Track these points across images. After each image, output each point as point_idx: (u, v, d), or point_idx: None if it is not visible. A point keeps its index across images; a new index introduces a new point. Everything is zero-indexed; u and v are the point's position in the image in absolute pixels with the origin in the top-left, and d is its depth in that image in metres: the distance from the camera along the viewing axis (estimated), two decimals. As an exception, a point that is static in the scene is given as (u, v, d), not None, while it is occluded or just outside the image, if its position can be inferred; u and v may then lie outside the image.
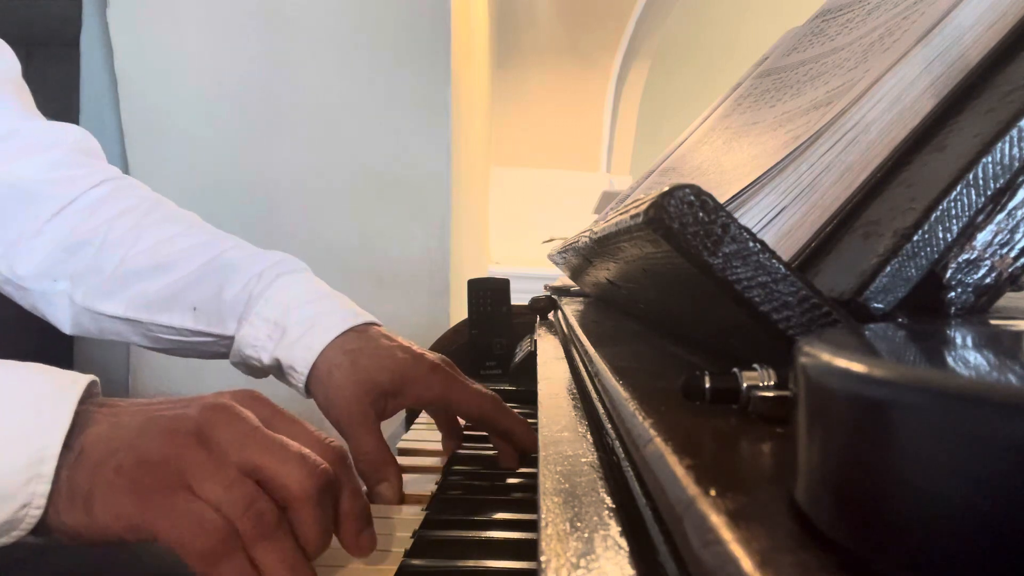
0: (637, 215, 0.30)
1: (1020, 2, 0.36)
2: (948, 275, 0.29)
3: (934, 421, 0.12)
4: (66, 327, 0.72)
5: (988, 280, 0.29)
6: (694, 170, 0.58)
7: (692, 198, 0.27)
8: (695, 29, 3.83)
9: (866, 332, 0.23)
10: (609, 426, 0.37)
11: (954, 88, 0.36)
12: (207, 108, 1.50)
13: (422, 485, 0.59)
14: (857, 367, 0.15)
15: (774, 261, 0.27)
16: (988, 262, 0.29)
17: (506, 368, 0.98)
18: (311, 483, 0.38)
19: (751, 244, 0.27)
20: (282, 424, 0.42)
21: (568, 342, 0.68)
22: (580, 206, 2.42)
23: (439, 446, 0.69)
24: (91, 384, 0.40)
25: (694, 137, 0.67)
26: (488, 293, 1.00)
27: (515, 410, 0.78)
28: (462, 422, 0.69)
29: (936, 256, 0.29)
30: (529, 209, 3.05)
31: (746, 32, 3.47)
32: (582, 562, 0.24)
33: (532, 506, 0.47)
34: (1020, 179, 0.29)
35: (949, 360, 0.19)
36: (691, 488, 0.19)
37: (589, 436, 0.40)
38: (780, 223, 0.37)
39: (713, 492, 0.19)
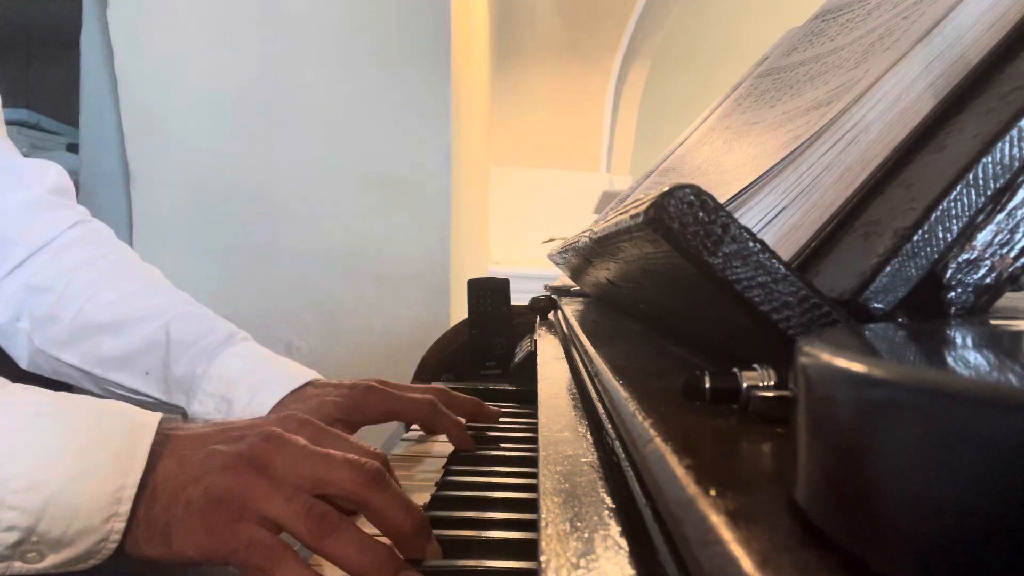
0: (637, 215, 0.30)
1: (1020, 2, 0.36)
2: (948, 275, 0.29)
3: (934, 421, 0.12)
4: (22, 363, 0.77)
5: (988, 280, 0.29)
6: (694, 170, 0.58)
7: (692, 198, 0.27)
8: (695, 29, 3.83)
9: (866, 332, 0.23)
10: (609, 426, 0.37)
11: (954, 88, 0.36)
12: (207, 108, 1.50)
13: (421, 488, 0.59)
14: (857, 367, 0.15)
15: (774, 261, 0.27)
16: (988, 262, 0.29)
17: (506, 368, 0.98)
18: (364, 478, 0.42)
19: (751, 244, 0.27)
20: (328, 440, 0.46)
21: (568, 342, 0.68)
22: (580, 206, 2.42)
23: (439, 446, 0.69)
24: (160, 421, 0.44)
25: (694, 137, 0.67)
26: (488, 293, 1.00)
27: (515, 410, 0.78)
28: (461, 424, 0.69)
29: (936, 256, 0.29)
30: (529, 209, 3.05)
31: (746, 32, 3.47)
32: (582, 562, 0.24)
33: (532, 506, 0.47)
34: (1020, 179, 0.29)
35: (949, 360, 0.19)
36: (691, 488, 0.19)
37: (589, 436, 0.40)
38: (780, 223, 0.37)
39: (713, 492, 0.19)
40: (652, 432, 0.25)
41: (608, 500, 0.30)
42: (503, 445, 0.67)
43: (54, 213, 0.77)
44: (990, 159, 0.29)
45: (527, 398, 0.81)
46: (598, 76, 3.37)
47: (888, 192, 0.35)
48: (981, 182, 0.29)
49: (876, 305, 0.29)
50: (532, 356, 0.79)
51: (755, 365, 0.26)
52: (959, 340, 0.22)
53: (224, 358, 0.73)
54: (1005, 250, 0.29)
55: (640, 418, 0.27)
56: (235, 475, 0.41)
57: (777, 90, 0.54)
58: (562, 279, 1.11)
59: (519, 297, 1.04)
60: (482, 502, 0.52)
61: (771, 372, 0.25)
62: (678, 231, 0.27)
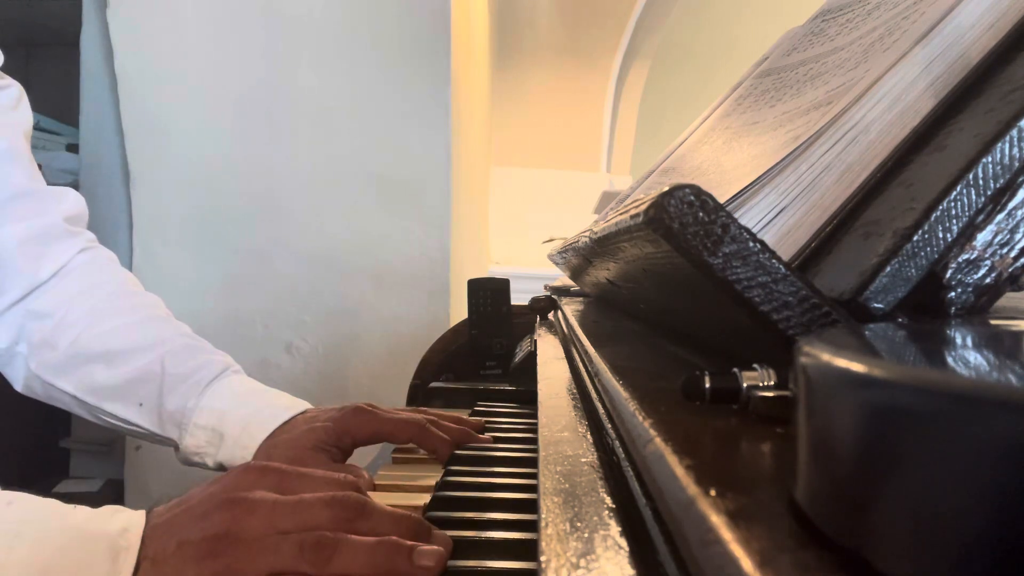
0: (637, 215, 0.30)
1: (1020, 2, 0.36)
2: (948, 275, 0.29)
3: (934, 421, 0.12)
4: (17, 386, 0.78)
5: (988, 280, 0.29)
6: (694, 170, 0.58)
7: (692, 198, 0.27)
8: (695, 29, 3.83)
9: (866, 332, 0.23)
10: (609, 426, 0.37)
11: (954, 88, 0.36)
12: (207, 108, 1.50)
13: (421, 489, 0.59)
14: (857, 367, 0.15)
15: (774, 261, 0.27)
16: (988, 262, 0.29)
17: (506, 368, 0.98)
18: (345, 513, 0.42)
19: (751, 244, 0.27)
20: (293, 482, 0.45)
21: (568, 342, 0.68)
22: (580, 206, 2.42)
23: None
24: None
25: (694, 137, 0.67)
26: (488, 293, 1.00)
27: (515, 410, 0.78)
28: (460, 424, 0.69)
29: (936, 256, 0.29)
30: (529, 209, 3.05)
31: (746, 32, 3.47)
32: (582, 562, 0.24)
33: (532, 506, 0.47)
34: (1020, 179, 0.29)
35: (949, 360, 0.19)
36: (691, 488, 0.19)
37: (589, 436, 0.40)
38: (780, 223, 0.37)
39: (713, 492, 0.19)
40: (652, 432, 0.25)
41: (608, 500, 0.30)
42: (503, 445, 0.67)
43: (64, 243, 0.78)
44: (990, 159, 0.29)
45: (527, 398, 0.81)
46: (598, 76, 3.37)
47: (888, 192, 0.35)
48: (981, 182, 0.29)
49: (876, 305, 0.29)
50: (532, 356, 0.79)
51: (755, 365, 0.26)
52: (959, 340, 0.22)
53: (216, 390, 0.73)
54: (1005, 250, 0.29)
55: (640, 418, 0.27)
56: (214, 559, 0.40)
57: (777, 90, 0.54)
58: (562, 279, 1.11)
59: (519, 297, 1.04)
60: (482, 502, 0.52)
61: (771, 372, 0.25)
62: (678, 231, 0.27)
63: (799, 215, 0.37)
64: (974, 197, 0.29)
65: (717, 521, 0.17)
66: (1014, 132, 0.29)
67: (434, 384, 0.94)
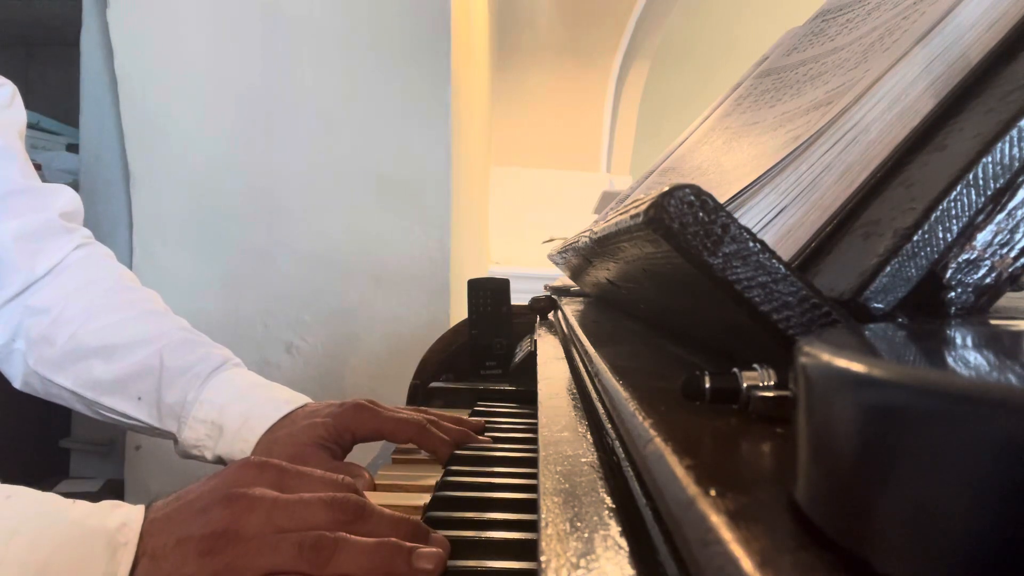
0: (637, 215, 0.30)
1: (1020, 2, 0.36)
2: (948, 275, 0.29)
3: (934, 421, 0.12)
4: (16, 383, 0.78)
5: (988, 280, 0.29)
6: (694, 170, 0.58)
7: (692, 198, 0.27)
8: (695, 29, 3.83)
9: (866, 332, 0.23)
10: (609, 426, 0.37)
11: (954, 88, 0.36)
12: (207, 108, 1.50)
13: (421, 489, 0.59)
14: (857, 367, 0.15)
15: (774, 261, 0.27)
16: (988, 262, 0.29)
17: (506, 368, 0.98)
18: (344, 515, 0.42)
19: (751, 244, 0.27)
20: (292, 480, 0.45)
21: (568, 342, 0.68)
22: (580, 206, 2.42)
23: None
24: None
25: (694, 137, 0.67)
26: (488, 293, 1.00)
27: (515, 410, 0.78)
28: (463, 424, 0.69)
29: (936, 256, 0.29)
30: (529, 209, 3.05)
31: (746, 32, 3.47)
32: (582, 562, 0.24)
33: (532, 506, 0.47)
34: (1020, 179, 0.29)
35: (949, 360, 0.19)
36: (691, 488, 0.19)
37: (589, 436, 0.40)
38: (780, 223, 0.37)
39: (713, 492, 0.19)
40: (652, 432, 0.25)
41: (608, 500, 0.30)
42: (503, 445, 0.67)
43: (60, 239, 0.78)
44: (990, 159, 0.29)
45: (527, 398, 0.81)
46: (598, 76, 3.37)
47: (888, 192, 0.35)
48: (981, 182, 0.29)
49: (876, 305, 0.29)
50: (532, 356, 0.79)
51: (755, 365, 0.26)
52: (959, 340, 0.22)
53: (215, 384, 0.73)
54: (1005, 250, 0.29)
55: (640, 418, 0.27)
56: (214, 556, 0.40)
57: (777, 90, 0.54)
58: (562, 279, 1.11)
59: (519, 297, 1.04)
60: (482, 502, 0.52)
61: (771, 372, 0.25)
62: (678, 231, 0.27)
63: (799, 215, 0.37)
64: (974, 197, 0.29)
65: (717, 521, 0.17)
66: (1014, 132, 0.29)
67: (434, 384, 0.94)
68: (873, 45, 0.43)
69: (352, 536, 0.41)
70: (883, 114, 0.37)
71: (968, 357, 0.19)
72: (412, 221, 1.51)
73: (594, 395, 0.44)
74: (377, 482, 0.58)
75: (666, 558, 0.23)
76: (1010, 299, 0.36)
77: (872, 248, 0.31)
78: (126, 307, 0.78)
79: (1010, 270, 0.29)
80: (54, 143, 1.74)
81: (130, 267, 1.45)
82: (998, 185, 0.29)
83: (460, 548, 0.44)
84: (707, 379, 0.26)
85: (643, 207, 0.29)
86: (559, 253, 0.82)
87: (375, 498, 0.50)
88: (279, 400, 0.72)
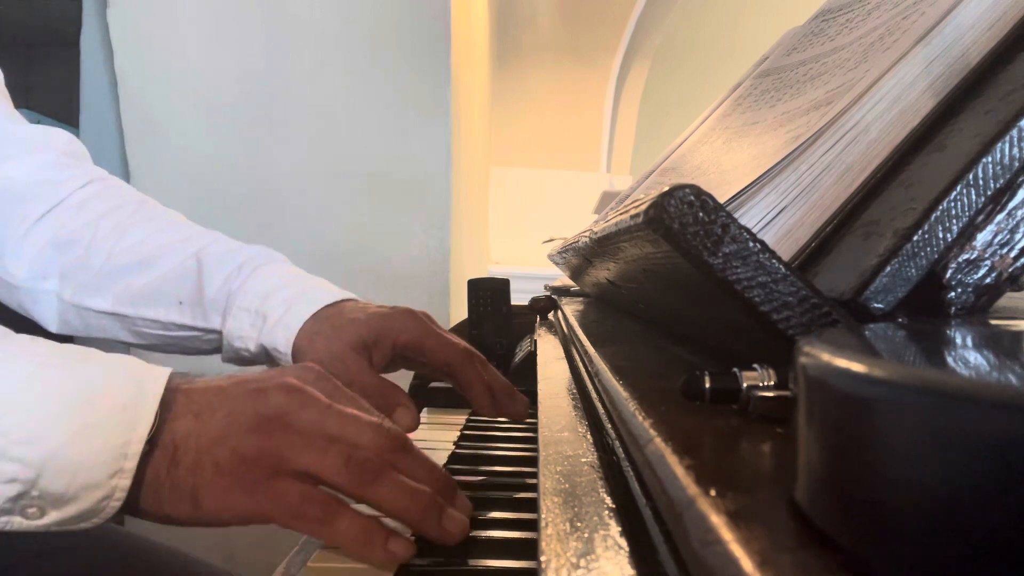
0: (637, 215, 0.30)
1: (1020, 2, 0.36)
2: (948, 275, 0.29)
3: (934, 421, 0.12)
4: (52, 325, 0.74)
5: (988, 280, 0.29)
6: (694, 170, 0.58)
7: (692, 198, 0.27)
8: (695, 29, 3.83)
9: (866, 332, 0.23)
10: (609, 426, 0.37)
11: (954, 88, 0.36)
12: (207, 108, 1.50)
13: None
14: (857, 367, 0.15)
15: (774, 261, 0.27)
16: (988, 262, 0.29)
17: (506, 368, 0.98)
18: (390, 442, 0.42)
19: (751, 244, 0.27)
20: (345, 400, 0.44)
21: (568, 342, 0.68)
22: (580, 206, 2.42)
23: (439, 444, 0.69)
24: (169, 377, 0.42)
25: (694, 137, 0.67)
26: (488, 293, 1.00)
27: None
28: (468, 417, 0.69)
29: (936, 256, 0.29)
30: (529, 209, 3.05)
31: (745, 32, 3.47)
32: (582, 562, 0.24)
33: (532, 506, 0.47)
34: (1020, 179, 0.29)
35: (949, 360, 0.19)
36: (691, 488, 0.19)
37: (589, 436, 0.40)
38: (780, 223, 0.37)
39: (713, 492, 0.19)
40: (652, 432, 0.25)
41: (608, 500, 0.30)
42: (503, 445, 0.67)
43: (70, 171, 0.75)
44: (990, 159, 0.29)
45: (527, 398, 0.81)
46: (598, 76, 3.37)
47: (888, 192, 0.35)
48: (981, 182, 0.29)
49: (876, 305, 0.29)
50: (532, 356, 0.79)
51: (755, 365, 0.26)
52: (959, 340, 0.22)
53: (261, 274, 0.70)
54: (1005, 250, 0.29)
55: (640, 418, 0.27)
56: (263, 435, 0.40)
57: (777, 90, 0.54)
58: (562, 279, 1.11)
59: (519, 297, 1.04)
60: (482, 502, 0.52)
61: (771, 372, 0.25)
62: (678, 231, 0.27)
63: (799, 215, 0.37)
64: (974, 197, 0.29)
65: (717, 521, 0.17)
66: (1014, 132, 0.29)
67: (434, 384, 0.94)
68: (873, 45, 0.43)
69: (396, 473, 0.41)
70: (883, 114, 0.37)
71: (968, 357, 0.19)
72: (412, 221, 1.51)
73: (594, 395, 0.44)
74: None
75: (666, 558, 0.23)
76: (1010, 299, 0.36)
77: (872, 248, 0.31)
78: (157, 220, 0.76)
79: (1010, 270, 0.29)
80: (54, 143, 1.74)
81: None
82: (998, 185, 0.29)
83: (460, 548, 0.44)
84: (707, 379, 0.26)
85: (643, 207, 0.29)
86: (559, 253, 0.82)
87: None
88: (324, 290, 0.69)
